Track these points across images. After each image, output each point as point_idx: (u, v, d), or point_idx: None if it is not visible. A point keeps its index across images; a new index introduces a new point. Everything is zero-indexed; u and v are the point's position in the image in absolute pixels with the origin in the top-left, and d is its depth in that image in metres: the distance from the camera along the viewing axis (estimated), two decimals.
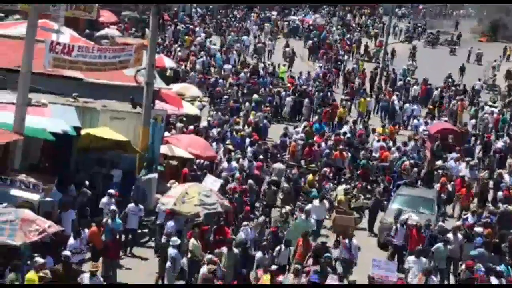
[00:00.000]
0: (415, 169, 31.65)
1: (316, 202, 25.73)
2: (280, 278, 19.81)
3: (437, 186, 30.06)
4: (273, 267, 19.74)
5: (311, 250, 21.69)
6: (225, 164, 28.86)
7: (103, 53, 24.84)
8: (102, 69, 24.98)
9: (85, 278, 18.17)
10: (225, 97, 40.52)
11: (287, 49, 58.21)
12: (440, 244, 22.95)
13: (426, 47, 73.60)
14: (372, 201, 27.75)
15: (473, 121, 43.09)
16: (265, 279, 19.32)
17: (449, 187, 29.82)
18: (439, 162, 33.03)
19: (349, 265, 22.14)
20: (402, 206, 26.88)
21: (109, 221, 21.59)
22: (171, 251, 20.22)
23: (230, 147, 30.64)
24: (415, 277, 21.09)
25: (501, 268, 21.53)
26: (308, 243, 22.13)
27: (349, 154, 32.52)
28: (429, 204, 27.29)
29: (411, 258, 22.12)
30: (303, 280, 19.68)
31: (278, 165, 30.01)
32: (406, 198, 27.73)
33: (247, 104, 39.88)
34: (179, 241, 20.63)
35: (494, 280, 20.97)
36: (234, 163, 28.73)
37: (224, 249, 20.65)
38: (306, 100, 41.96)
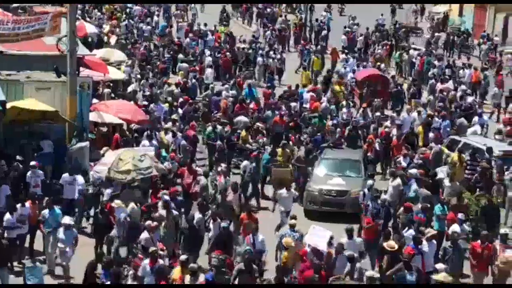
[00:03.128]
0: (338, 129, 30.07)
1: (283, 191, 23.22)
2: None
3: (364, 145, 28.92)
4: (183, 257, 17.79)
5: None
6: (145, 142, 26.51)
7: (17, 24, 24.59)
8: (14, 40, 24.72)
9: None
10: (167, 55, 40.31)
11: (224, 14, 57.75)
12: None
13: None
14: (296, 169, 26.17)
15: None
16: (177, 272, 17.50)
17: (376, 146, 28.57)
18: None
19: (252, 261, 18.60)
20: (327, 171, 26.05)
21: (47, 212, 20.00)
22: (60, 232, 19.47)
23: (174, 116, 30.08)
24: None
25: (437, 207, 21.81)
26: (252, 217, 20.88)
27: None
28: (355, 166, 26.18)
29: (344, 239, 19.35)
30: (200, 280, 17.14)
31: (242, 118, 30.00)
32: (332, 162, 26.46)
33: (182, 64, 39.57)
34: (68, 220, 19.58)
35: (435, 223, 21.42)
36: (154, 142, 26.73)
37: (163, 211, 20.37)
38: None
